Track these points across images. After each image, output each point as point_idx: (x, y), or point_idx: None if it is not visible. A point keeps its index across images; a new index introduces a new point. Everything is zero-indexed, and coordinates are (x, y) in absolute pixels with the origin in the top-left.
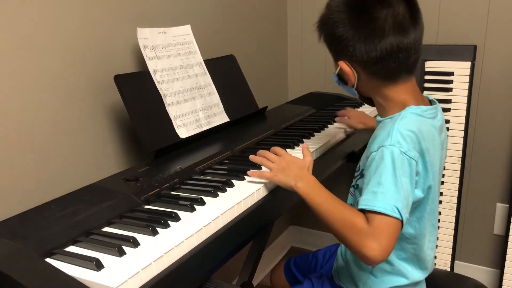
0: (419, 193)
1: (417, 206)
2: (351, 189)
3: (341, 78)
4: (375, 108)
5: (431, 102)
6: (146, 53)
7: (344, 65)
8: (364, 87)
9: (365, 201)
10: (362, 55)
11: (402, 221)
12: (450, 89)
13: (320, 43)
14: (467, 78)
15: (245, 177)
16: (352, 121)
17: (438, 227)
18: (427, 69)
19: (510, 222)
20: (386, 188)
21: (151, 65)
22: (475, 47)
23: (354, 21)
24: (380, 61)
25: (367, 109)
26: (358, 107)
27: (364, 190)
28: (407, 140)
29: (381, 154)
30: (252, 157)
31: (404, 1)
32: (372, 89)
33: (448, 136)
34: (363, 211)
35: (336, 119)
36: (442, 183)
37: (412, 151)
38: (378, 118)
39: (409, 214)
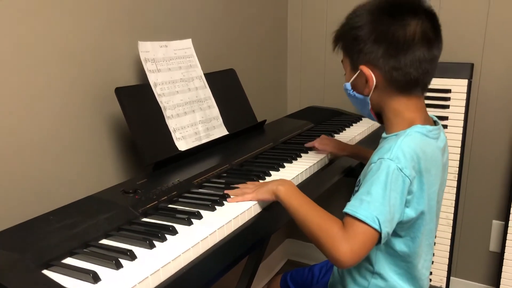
0: (410, 213)
1: (411, 225)
2: None
3: (355, 87)
4: (366, 128)
5: (435, 123)
6: (147, 66)
7: (366, 69)
8: (378, 97)
9: (350, 206)
10: (388, 60)
11: (380, 234)
12: (447, 106)
13: (334, 53)
14: (464, 96)
15: None
16: (331, 148)
17: (434, 243)
18: None
19: (506, 239)
20: (373, 198)
21: (152, 78)
22: (472, 65)
23: (382, 25)
24: (404, 68)
25: (360, 127)
26: (356, 122)
27: (353, 196)
28: (406, 158)
29: (378, 166)
30: (232, 197)
31: (428, 15)
32: (385, 100)
33: None
34: (346, 214)
35: (308, 145)
36: None
37: (409, 169)
38: (383, 135)
39: (403, 233)
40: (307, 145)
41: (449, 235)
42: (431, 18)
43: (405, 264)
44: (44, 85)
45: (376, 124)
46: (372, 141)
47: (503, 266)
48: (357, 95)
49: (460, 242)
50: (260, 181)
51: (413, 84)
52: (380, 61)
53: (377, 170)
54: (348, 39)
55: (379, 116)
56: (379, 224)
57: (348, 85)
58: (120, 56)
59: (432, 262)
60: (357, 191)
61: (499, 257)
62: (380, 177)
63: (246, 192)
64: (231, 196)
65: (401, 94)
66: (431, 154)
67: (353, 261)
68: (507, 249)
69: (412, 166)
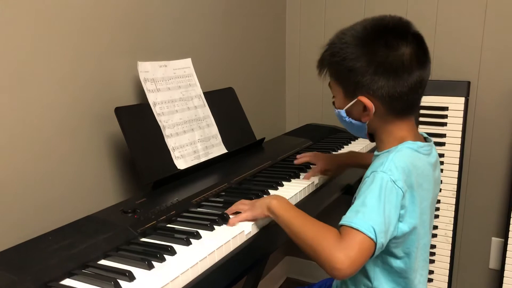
0: (404, 227)
1: (405, 240)
2: None
3: (349, 114)
4: (364, 146)
5: (425, 140)
6: (147, 86)
7: (366, 100)
8: (373, 122)
9: (346, 218)
10: (388, 90)
11: (376, 244)
12: (444, 124)
13: (321, 78)
14: (461, 113)
15: None
16: (324, 165)
17: (434, 260)
18: (422, 104)
19: (505, 256)
20: (368, 209)
21: (151, 98)
22: (468, 83)
23: (378, 57)
24: (405, 95)
25: (359, 145)
26: (354, 140)
27: (349, 209)
28: (399, 171)
29: (372, 178)
30: (228, 211)
31: (417, 38)
32: (380, 125)
33: (442, 170)
34: (343, 226)
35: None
36: (437, 216)
37: (402, 182)
38: (375, 153)
39: (397, 249)
40: (297, 162)
41: (449, 253)
42: (420, 41)
43: (403, 280)
44: (44, 104)
45: None
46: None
47: (503, 284)
48: (353, 121)
49: (460, 260)
50: (255, 199)
51: (410, 108)
52: (380, 91)
53: (371, 182)
54: (342, 70)
55: (370, 135)
56: (375, 234)
57: (343, 112)
58: (119, 76)
59: (432, 279)
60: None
61: (499, 274)
62: (374, 189)
63: (242, 209)
64: (230, 216)
65: (396, 118)
66: (422, 169)
67: (351, 270)
68: (507, 267)
69: (404, 180)
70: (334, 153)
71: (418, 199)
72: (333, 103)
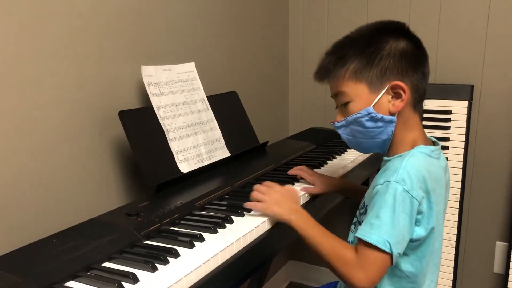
0: (421, 232)
1: (419, 245)
2: (352, 226)
3: (377, 110)
4: (361, 154)
5: (434, 143)
6: (151, 90)
7: (399, 83)
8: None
9: (362, 231)
10: (413, 73)
11: (392, 255)
12: (448, 127)
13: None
14: (464, 117)
15: (245, 213)
16: (320, 190)
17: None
18: (425, 108)
19: (510, 260)
20: (382, 222)
21: (155, 101)
22: (472, 86)
23: (401, 44)
24: (421, 83)
25: (353, 154)
26: (345, 151)
27: (364, 221)
28: (412, 179)
29: (385, 189)
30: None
31: (409, 34)
32: (400, 120)
33: None
34: (359, 241)
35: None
36: None
37: (417, 190)
38: (385, 157)
39: (411, 252)
40: (292, 172)
41: (453, 257)
42: (411, 36)
43: (410, 285)
44: (48, 107)
45: None
46: (375, 160)
47: None
48: (385, 117)
49: (464, 264)
50: (279, 188)
51: (421, 99)
52: (409, 72)
53: (384, 193)
54: (363, 61)
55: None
56: (390, 247)
57: (371, 109)
58: (123, 80)
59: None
60: (362, 213)
61: (503, 278)
62: (387, 200)
63: (260, 198)
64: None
65: (413, 110)
66: (435, 174)
67: (369, 287)
68: (511, 271)
69: (419, 187)
70: (332, 176)
71: (434, 204)
72: (340, 112)
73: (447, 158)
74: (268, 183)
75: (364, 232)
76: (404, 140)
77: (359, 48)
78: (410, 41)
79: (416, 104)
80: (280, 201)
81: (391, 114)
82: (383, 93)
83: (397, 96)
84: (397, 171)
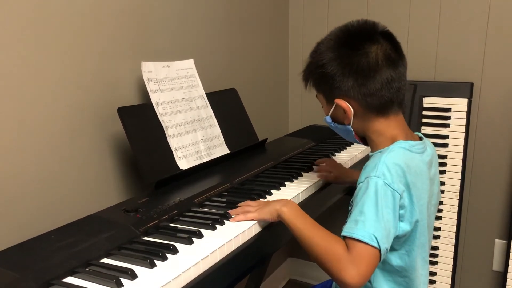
0: (406, 227)
1: (406, 239)
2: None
3: (335, 119)
4: (367, 147)
5: (420, 138)
6: (150, 86)
7: (342, 102)
8: (358, 123)
9: (347, 229)
10: (359, 89)
11: (380, 250)
12: (447, 125)
13: (307, 91)
14: (464, 115)
15: None
16: (335, 178)
17: (437, 262)
18: (425, 105)
19: (509, 258)
20: (367, 217)
21: (154, 98)
22: (472, 84)
23: (345, 58)
24: (376, 92)
25: (361, 146)
26: (352, 144)
27: (348, 218)
28: (392, 173)
29: (366, 185)
30: (234, 217)
31: (385, 36)
32: (365, 124)
33: (445, 171)
34: (344, 237)
35: (317, 173)
36: (440, 218)
37: (397, 183)
38: (370, 153)
39: (398, 246)
40: (318, 161)
41: (452, 254)
42: (388, 38)
43: (403, 279)
44: (47, 104)
45: None
46: None
47: (506, 286)
48: (338, 126)
49: (463, 261)
50: (262, 200)
51: (388, 104)
52: (352, 91)
53: (366, 188)
54: (317, 77)
55: (363, 139)
56: (377, 241)
57: (329, 118)
58: (123, 76)
59: (435, 281)
60: (350, 210)
61: (502, 276)
62: (370, 195)
63: (249, 211)
64: (233, 216)
65: (379, 116)
66: (415, 168)
67: (361, 283)
68: (510, 268)
69: (399, 181)
70: (349, 168)
71: (416, 198)
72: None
73: (445, 157)
74: (252, 201)
75: (350, 229)
76: (382, 138)
77: (312, 66)
78: (377, 44)
79: (380, 108)
80: (267, 204)
81: (347, 124)
82: (334, 108)
83: (345, 111)
84: (377, 166)
